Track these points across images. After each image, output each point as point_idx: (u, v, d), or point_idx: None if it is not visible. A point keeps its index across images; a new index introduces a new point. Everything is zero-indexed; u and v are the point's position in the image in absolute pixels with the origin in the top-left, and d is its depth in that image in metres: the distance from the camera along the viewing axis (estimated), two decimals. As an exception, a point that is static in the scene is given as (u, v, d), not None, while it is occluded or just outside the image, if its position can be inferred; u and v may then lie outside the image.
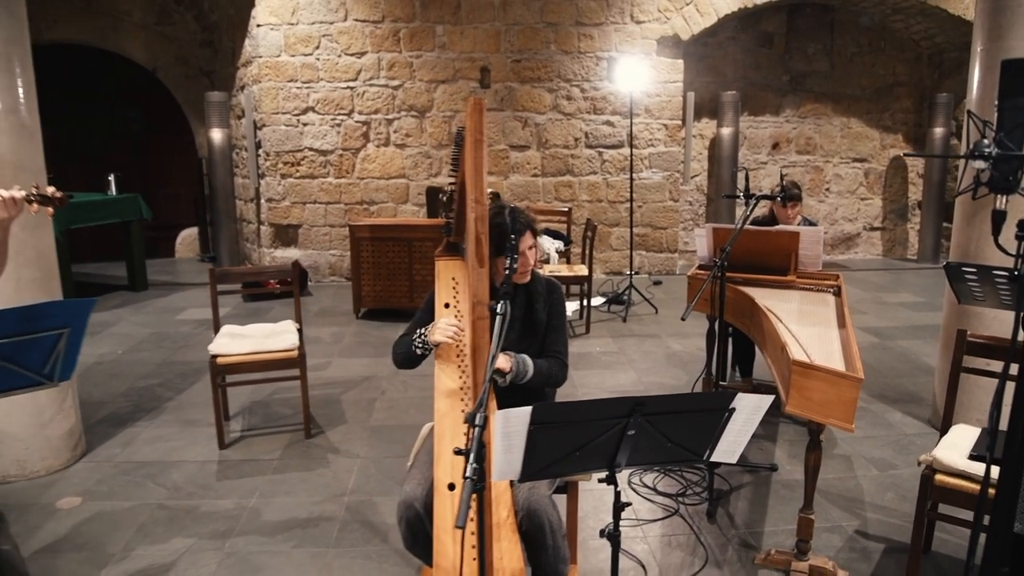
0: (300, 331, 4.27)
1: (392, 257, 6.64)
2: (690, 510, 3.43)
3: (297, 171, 8.41)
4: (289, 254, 8.56)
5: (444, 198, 7.63)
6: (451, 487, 2.22)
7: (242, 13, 8.43)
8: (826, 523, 3.28)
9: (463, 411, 2.34)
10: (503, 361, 2.36)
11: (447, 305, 2.51)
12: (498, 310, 1.85)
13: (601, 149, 8.58)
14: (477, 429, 1.52)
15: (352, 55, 8.22)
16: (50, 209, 2.24)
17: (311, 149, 8.37)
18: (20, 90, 3.60)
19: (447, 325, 2.40)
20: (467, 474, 1.45)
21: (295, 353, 4.08)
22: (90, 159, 9.64)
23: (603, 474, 2.00)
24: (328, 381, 5.14)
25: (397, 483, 3.67)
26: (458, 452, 1.58)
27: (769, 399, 1.89)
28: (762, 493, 3.60)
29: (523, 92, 8.42)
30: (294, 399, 4.68)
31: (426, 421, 4.37)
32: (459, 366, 2.40)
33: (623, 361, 5.60)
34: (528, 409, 1.65)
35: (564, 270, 6.55)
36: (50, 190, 2.25)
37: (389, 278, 6.68)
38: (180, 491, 3.65)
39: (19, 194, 2.17)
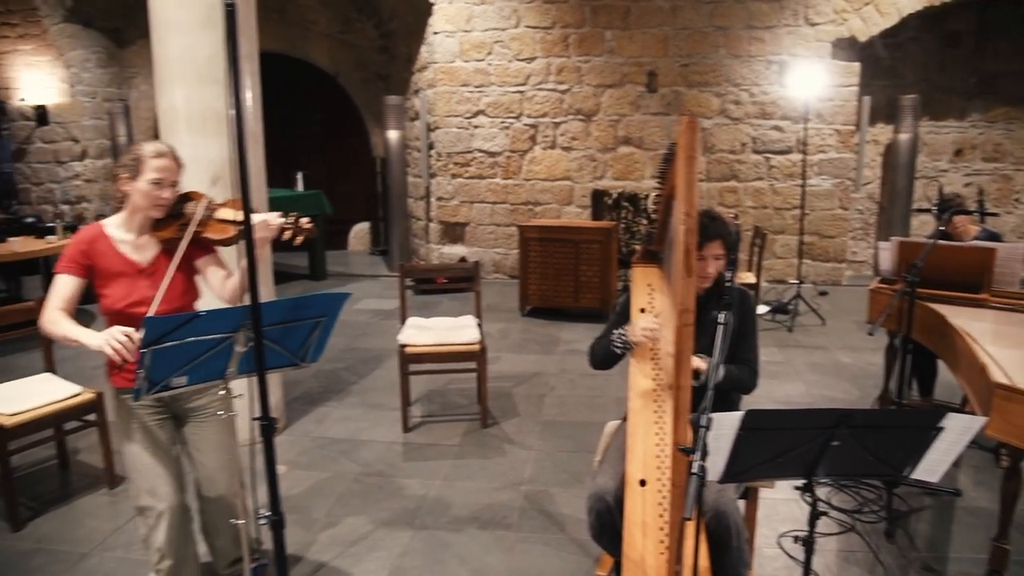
0: (480, 326, 4.52)
1: (559, 258, 6.84)
2: (867, 528, 3.38)
3: (466, 171, 8.80)
4: (455, 251, 8.97)
5: (610, 201, 7.73)
6: (642, 483, 2.33)
7: (420, 21, 8.89)
8: (1021, 556, 3.14)
9: (655, 411, 2.46)
10: (699, 361, 2.47)
11: (642, 310, 2.64)
12: (720, 320, 1.95)
13: (768, 155, 8.41)
14: (703, 430, 1.64)
15: (522, 60, 8.50)
16: (300, 238, 2.51)
17: (480, 151, 8.74)
18: (249, 101, 4.05)
19: (646, 326, 2.53)
20: (692, 470, 1.57)
21: (477, 347, 4.33)
22: (279, 158, 10.46)
23: (799, 482, 2.05)
24: (499, 375, 5.38)
25: (572, 476, 3.84)
26: (683, 450, 1.70)
27: (981, 421, 1.89)
28: (944, 518, 3.48)
29: (690, 96, 8.39)
30: (468, 390, 4.96)
31: (596, 419, 4.54)
32: (653, 368, 2.53)
33: (790, 372, 5.51)
34: (739, 414, 1.75)
35: (729, 277, 6.50)
36: (303, 221, 2.52)
37: (555, 278, 6.89)
38: (371, 468, 3.99)
39: (278, 221, 2.46)
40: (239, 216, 2.40)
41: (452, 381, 5.17)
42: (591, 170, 8.65)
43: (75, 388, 3.66)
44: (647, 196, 7.54)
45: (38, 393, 3.57)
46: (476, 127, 8.70)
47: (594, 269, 6.77)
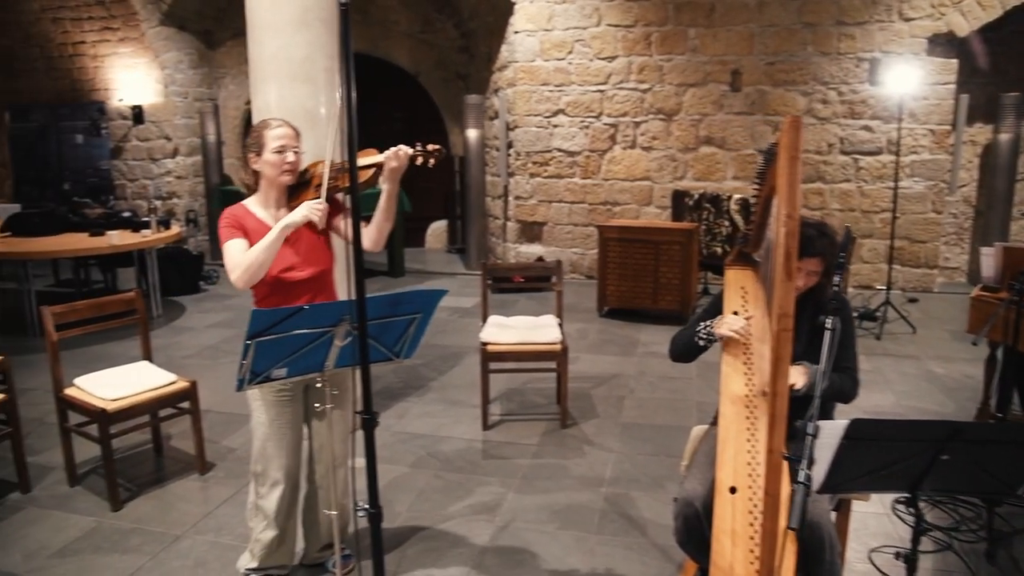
0: (561, 326, 4.51)
1: (639, 259, 6.77)
2: (964, 547, 3.23)
3: (545, 171, 8.80)
4: (532, 250, 8.97)
5: (691, 202, 7.62)
6: (732, 490, 2.28)
7: (500, 21, 8.93)
8: None
9: (747, 417, 2.40)
10: (798, 376, 2.40)
11: (735, 313, 2.58)
12: (828, 325, 1.89)
13: (857, 156, 8.14)
14: (810, 438, 1.59)
15: (603, 59, 8.45)
16: (432, 160, 2.59)
17: (559, 150, 8.73)
18: (338, 99, 4.12)
19: (736, 320, 2.48)
20: (798, 479, 1.53)
21: (558, 347, 4.32)
22: (360, 155, 10.68)
23: (899, 496, 1.97)
24: (577, 375, 5.34)
25: (652, 480, 3.79)
26: (787, 458, 1.65)
27: (1106, 438, 1.78)
28: (1052, 540, 3.30)
29: (775, 95, 8.19)
30: (547, 389, 4.96)
31: (676, 423, 4.49)
32: (746, 373, 2.47)
33: (879, 381, 5.31)
34: (844, 422, 1.69)
35: (814, 281, 6.31)
36: (430, 146, 2.61)
37: (634, 279, 6.83)
38: (451, 464, 4.02)
39: (408, 151, 2.56)
40: (370, 160, 2.56)
41: (530, 380, 5.17)
42: (671, 170, 8.53)
43: (170, 376, 3.80)
44: (729, 197, 7.40)
45: (136, 380, 3.72)
46: (555, 126, 8.69)
47: (674, 271, 6.68)
